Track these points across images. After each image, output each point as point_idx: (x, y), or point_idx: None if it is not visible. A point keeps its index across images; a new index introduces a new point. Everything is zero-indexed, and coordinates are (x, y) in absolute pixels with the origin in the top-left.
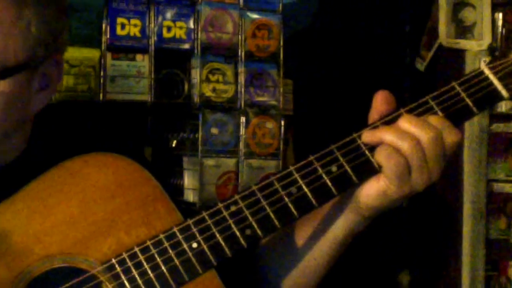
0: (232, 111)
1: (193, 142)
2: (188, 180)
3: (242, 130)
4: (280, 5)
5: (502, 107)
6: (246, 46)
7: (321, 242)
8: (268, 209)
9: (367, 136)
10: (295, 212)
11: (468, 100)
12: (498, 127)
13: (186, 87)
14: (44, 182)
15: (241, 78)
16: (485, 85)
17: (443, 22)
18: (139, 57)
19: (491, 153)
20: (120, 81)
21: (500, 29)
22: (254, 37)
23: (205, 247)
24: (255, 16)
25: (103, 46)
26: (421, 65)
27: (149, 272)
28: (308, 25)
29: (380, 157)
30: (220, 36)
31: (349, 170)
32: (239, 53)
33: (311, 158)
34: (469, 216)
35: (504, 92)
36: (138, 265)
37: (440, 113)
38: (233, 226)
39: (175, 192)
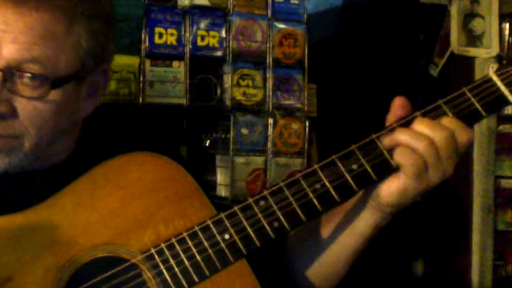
0: (261, 113)
1: (225, 141)
2: (221, 177)
3: (270, 131)
4: (305, 16)
5: (509, 110)
6: (274, 54)
7: (347, 236)
8: (295, 204)
9: (385, 137)
10: (319, 207)
11: (477, 105)
12: (505, 128)
13: (218, 91)
14: (89, 179)
15: (269, 83)
16: (493, 91)
17: (454, 32)
18: (175, 63)
19: (498, 152)
20: (158, 86)
21: (507, 38)
22: (281, 45)
23: (236, 238)
24: (282, 26)
25: (143, 54)
26: (434, 71)
27: (185, 261)
28: (331, 34)
29: (399, 157)
30: (250, 44)
31: (368, 168)
32: (267, 60)
33: (334, 157)
34: (479, 210)
35: (510, 98)
36: (175, 255)
37: (451, 116)
38: (262, 219)
39: (208, 187)
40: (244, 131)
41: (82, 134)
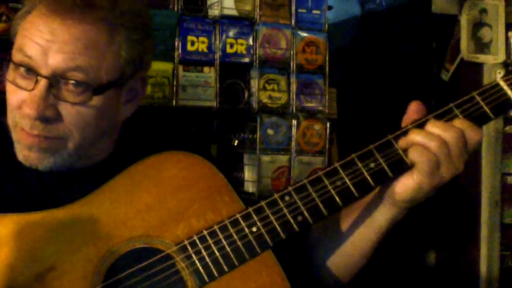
0: (285, 115)
1: (252, 141)
2: (248, 174)
3: (293, 131)
4: (326, 25)
5: None
6: (297, 60)
7: (365, 229)
8: (317, 200)
9: (401, 138)
10: (340, 202)
11: (486, 108)
12: (511, 129)
13: (246, 94)
14: (127, 176)
15: (293, 87)
16: (500, 95)
17: (464, 40)
18: (206, 69)
19: (505, 151)
20: (190, 90)
21: None
22: (304, 52)
23: (263, 231)
24: (304, 34)
25: (176, 60)
26: (445, 76)
27: (216, 252)
28: (350, 42)
29: (414, 155)
30: (275, 51)
31: (385, 166)
32: (291, 66)
33: (353, 156)
34: (486, 204)
35: None
36: (207, 247)
37: (462, 118)
38: (287, 213)
39: (237, 184)
40: (270, 131)
41: (120, 135)
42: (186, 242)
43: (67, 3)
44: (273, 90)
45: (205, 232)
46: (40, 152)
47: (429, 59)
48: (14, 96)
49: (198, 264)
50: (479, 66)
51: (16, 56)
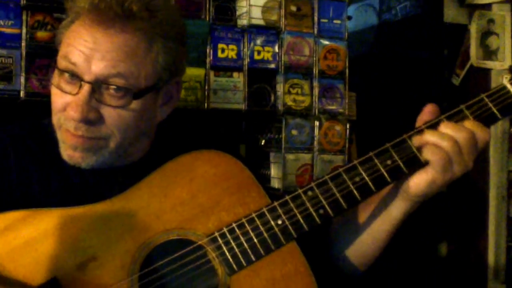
0: (308, 117)
1: (277, 141)
2: (274, 171)
3: (316, 132)
4: (346, 34)
5: None
6: (319, 66)
7: (381, 221)
8: (337, 194)
9: (415, 137)
10: (358, 197)
11: (494, 109)
12: None
13: (272, 98)
14: (162, 173)
15: (315, 91)
16: (507, 97)
17: (473, 47)
18: (235, 74)
19: (511, 150)
20: (221, 93)
21: None
22: (325, 59)
23: (288, 223)
24: (326, 42)
25: (207, 66)
26: (456, 81)
27: (244, 243)
28: (368, 49)
29: (428, 154)
30: (299, 58)
31: (401, 163)
32: (314, 72)
33: (371, 154)
34: (494, 199)
35: None
36: (236, 238)
37: (472, 119)
38: (310, 207)
39: (263, 180)
40: (294, 132)
41: (156, 136)
42: (216, 234)
43: (110, 14)
44: (297, 93)
45: (234, 225)
46: (84, 152)
47: (441, 65)
48: (59, 99)
49: (228, 254)
50: (487, 72)
51: (61, 63)
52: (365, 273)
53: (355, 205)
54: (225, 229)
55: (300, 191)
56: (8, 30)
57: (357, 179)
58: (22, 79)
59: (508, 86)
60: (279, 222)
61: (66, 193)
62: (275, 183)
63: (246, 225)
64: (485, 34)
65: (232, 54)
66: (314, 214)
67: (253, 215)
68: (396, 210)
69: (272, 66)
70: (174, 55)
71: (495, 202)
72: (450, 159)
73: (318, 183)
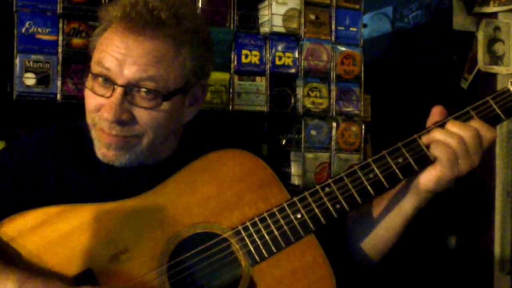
0: (326, 118)
1: (297, 141)
2: (294, 169)
3: (333, 132)
4: (361, 40)
5: None
6: (336, 71)
7: (393, 215)
8: (353, 190)
9: (425, 136)
10: (372, 192)
11: (498, 110)
12: None
13: (292, 100)
14: (189, 171)
15: (333, 94)
16: (511, 99)
17: (480, 53)
18: (258, 79)
19: None
20: (244, 96)
21: None
22: (342, 64)
23: (306, 217)
24: (343, 48)
25: (232, 71)
26: (464, 84)
27: (266, 236)
28: (382, 55)
29: (436, 151)
30: (317, 63)
31: (411, 161)
32: (331, 76)
33: (384, 152)
34: (500, 195)
35: None
36: (258, 231)
37: (477, 119)
38: (327, 202)
39: (284, 177)
40: (313, 132)
41: (183, 136)
42: (240, 227)
43: (141, 22)
44: (315, 96)
45: (256, 219)
46: (117, 150)
47: (450, 70)
48: (93, 100)
49: (251, 246)
50: (493, 76)
51: (95, 68)
52: (379, 264)
53: (369, 200)
54: (248, 223)
55: (318, 187)
56: (45, 37)
57: (371, 176)
58: (59, 83)
59: None
60: (299, 216)
61: (100, 189)
62: (295, 180)
63: (268, 219)
64: (492, 40)
65: (255, 59)
66: (331, 208)
67: (274, 209)
68: (408, 205)
69: (292, 70)
70: (200, 59)
71: (501, 198)
72: (457, 155)
73: (334, 179)
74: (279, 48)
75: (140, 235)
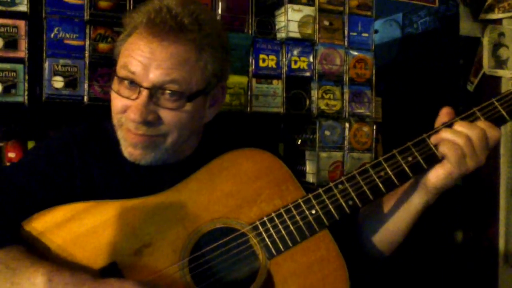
0: (339, 119)
1: (312, 140)
2: (309, 167)
3: (346, 132)
4: (373, 45)
5: None
6: (349, 74)
7: (403, 211)
8: (365, 187)
9: (433, 136)
10: (383, 189)
11: (503, 111)
12: None
13: (307, 102)
14: (209, 169)
15: (346, 96)
16: None
17: (486, 57)
18: (275, 82)
19: None
20: (262, 99)
21: None
22: (355, 67)
23: (320, 213)
24: (355, 53)
25: (250, 74)
26: (470, 87)
27: (282, 230)
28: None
29: (444, 149)
30: (331, 67)
31: (420, 159)
32: (344, 79)
33: (394, 151)
34: (504, 192)
35: None
36: (275, 226)
37: (483, 119)
38: (340, 198)
39: (300, 175)
40: (327, 132)
41: (203, 135)
42: (257, 223)
43: (165, 28)
44: (329, 98)
45: (273, 214)
46: (143, 149)
47: (457, 73)
48: (119, 102)
49: (268, 240)
50: (498, 79)
51: (121, 72)
52: (390, 257)
53: (380, 197)
54: (265, 218)
55: (331, 184)
56: (73, 43)
57: (382, 173)
58: (86, 86)
59: None
60: (313, 212)
61: (124, 186)
62: (310, 178)
63: (284, 214)
64: (496, 46)
65: (272, 63)
66: (344, 204)
67: (290, 205)
68: (417, 201)
69: (307, 74)
70: (220, 62)
71: (505, 195)
72: (464, 153)
73: (347, 177)
74: (295, 52)
75: (163, 230)
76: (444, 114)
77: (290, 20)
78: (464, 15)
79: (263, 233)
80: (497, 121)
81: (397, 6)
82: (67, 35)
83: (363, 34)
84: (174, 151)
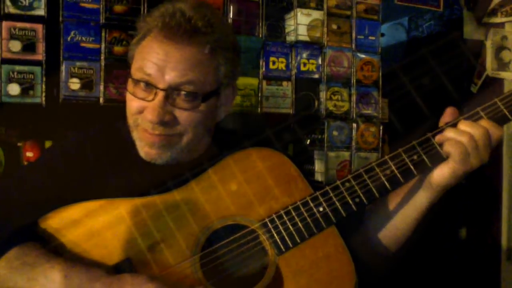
0: (347, 120)
1: (320, 140)
2: (317, 166)
3: (353, 133)
4: (379, 48)
5: None
6: (356, 76)
7: (409, 208)
8: (371, 185)
9: (438, 135)
10: (389, 187)
11: (505, 111)
12: None
13: (316, 103)
14: (220, 167)
15: (353, 98)
16: None
17: (489, 60)
18: (284, 83)
19: None
20: (272, 100)
21: None
22: (362, 70)
23: (328, 210)
24: (362, 56)
25: (261, 76)
26: (474, 88)
27: (290, 227)
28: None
29: (448, 147)
30: (339, 69)
31: (425, 158)
32: (352, 81)
33: (400, 150)
34: (506, 189)
35: None
36: (283, 223)
37: (486, 119)
38: (347, 196)
39: (308, 174)
40: (335, 133)
41: (215, 135)
42: (267, 220)
43: (180, 31)
44: (337, 100)
45: (282, 212)
46: (160, 149)
47: (461, 75)
48: (135, 103)
49: (277, 237)
50: (500, 81)
51: (137, 74)
52: (395, 254)
53: (386, 194)
54: (274, 216)
55: (338, 182)
56: (89, 46)
57: (387, 172)
58: (101, 88)
59: None
60: (321, 209)
61: (137, 185)
62: (318, 177)
63: (292, 212)
64: (499, 48)
65: (281, 66)
66: (350, 202)
67: (298, 203)
68: (422, 199)
69: (316, 76)
70: (231, 63)
71: (508, 192)
72: (467, 151)
73: (354, 175)
74: (304, 55)
75: (175, 227)
76: (448, 114)
77: (300, 24)
78: (468, 19)
79: (272, 229)
80: (500, 120)
81: (403, 10)
82: (83, 38)
83: (370, 37)
84: (189, 149)
